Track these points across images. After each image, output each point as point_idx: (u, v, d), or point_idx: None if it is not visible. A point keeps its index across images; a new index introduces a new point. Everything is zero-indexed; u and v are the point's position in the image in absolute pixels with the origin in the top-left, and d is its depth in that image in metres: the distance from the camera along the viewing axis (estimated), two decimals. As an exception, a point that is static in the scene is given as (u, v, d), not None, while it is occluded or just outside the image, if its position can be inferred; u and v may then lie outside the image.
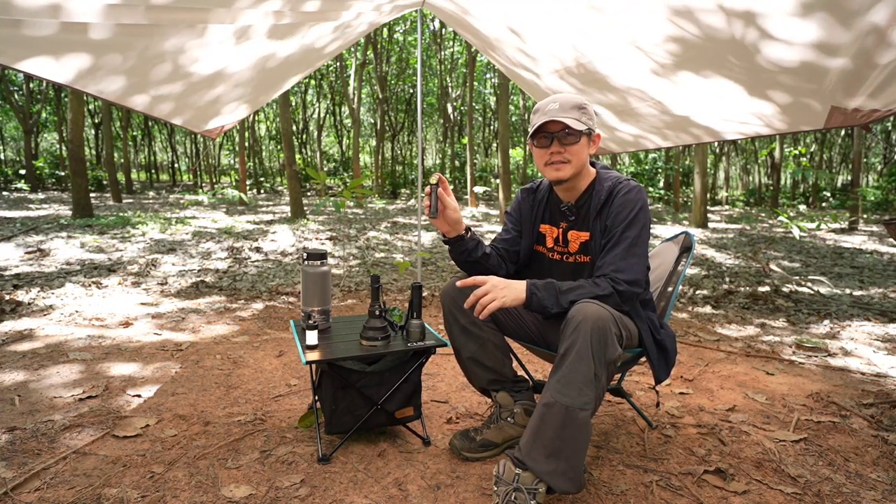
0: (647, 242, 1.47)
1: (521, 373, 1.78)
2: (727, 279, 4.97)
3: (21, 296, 3.65)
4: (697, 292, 4.37)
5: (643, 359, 1.61)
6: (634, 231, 1.45)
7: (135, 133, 23.31)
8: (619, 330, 1.31)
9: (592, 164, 1.62)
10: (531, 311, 1.43)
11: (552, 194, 1.65)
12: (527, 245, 1.69)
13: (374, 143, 22.91)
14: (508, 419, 1.66)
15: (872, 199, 14.39)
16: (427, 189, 1.51)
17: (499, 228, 8.91)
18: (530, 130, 1.53)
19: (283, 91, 3.95)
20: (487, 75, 21.76)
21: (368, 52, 16.32)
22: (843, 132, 20.79)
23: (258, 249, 6.08)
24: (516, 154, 19.02)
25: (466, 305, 1.37)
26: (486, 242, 1.68)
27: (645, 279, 1.46)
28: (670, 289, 1.79)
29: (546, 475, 1.24)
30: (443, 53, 19.13)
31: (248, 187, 18.95)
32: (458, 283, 1.47)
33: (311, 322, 1.66)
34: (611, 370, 1.29)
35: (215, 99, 2.91)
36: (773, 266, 5.23)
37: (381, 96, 17.29)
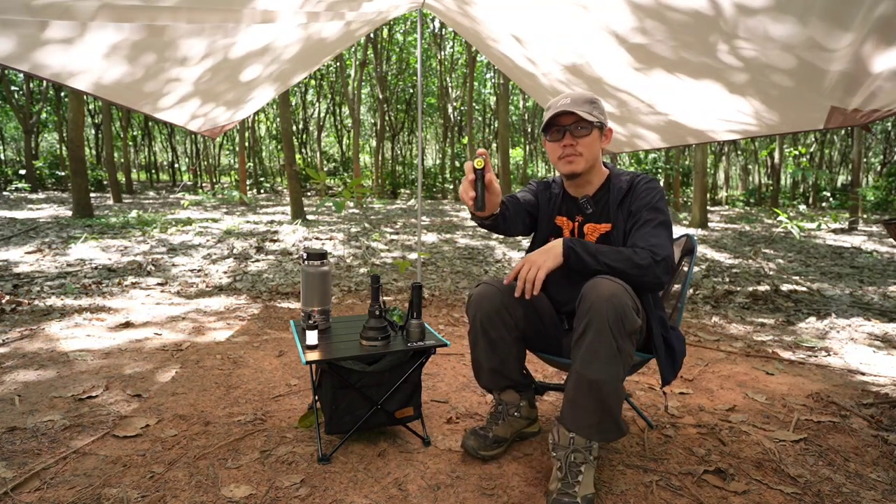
0: (672, 227, 1.50)
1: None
2: (727, 279, 4.97)
3: (21, 296, 3.65)
4: (697, 292, 4.37)
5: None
6: (661, 215, 1.48)
7: (135, 133, 23.29)
8: (634, 302, 1.33)
9: (605, 164, 1.64)
10: (571, 268, 1.44)
11: (567, 190, 1.67)
12: (542, 238, 1.68)
13: (374, 143, 22.92)
14: (514, 413, 1.67)
15: (872, 199, 14.40)
16: (470, 176, 1.30)
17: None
18: (543, 124, 1.55)
19: (280, 92, 3.94)
20: (487, 75, 21.77)
21: (368, 52, 16.32)
22: (842, 132, 20.79)
23: (258, 249, 6.08)
24: (516, 154, 19.01)
25: (517, 294, 1.40)
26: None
27: (673, 259, 1.47)
28: (675, 287, 1.79)
29: (595, 434, 1.35)
30: (443, 53, 19.13)
31: (248, 187, 18.95)
32: (505, 281, 1.49)
33: (311, 322, 1.66)
34: (634, 339, 1.34)
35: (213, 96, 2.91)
36: (770, 264, 5.23)
37: (381, 96, 17.28)
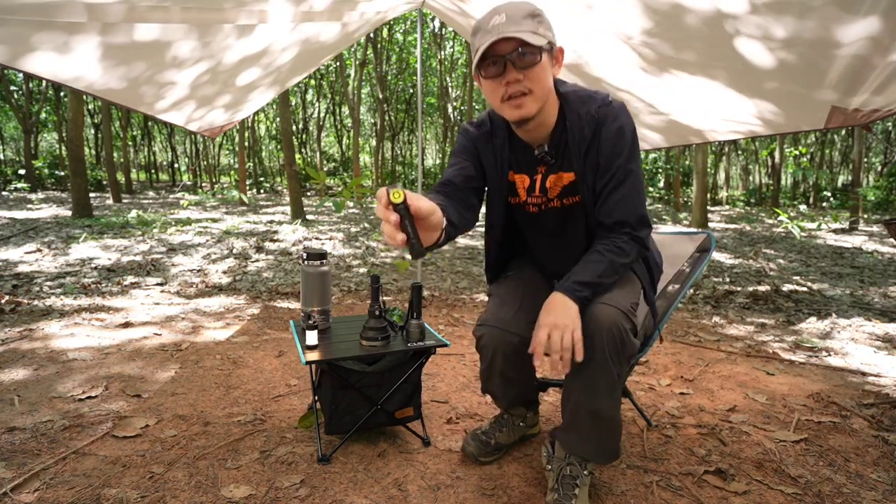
0: (642, 175, 1.33)
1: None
2: (727, 279, 4.97)
3: (21, 295, 3.64)
4: (697, 292, 4.37)
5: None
6: (634, 162, 1.27)
7: (134, 133, 23.28)
8: (633, 322, 1.27)
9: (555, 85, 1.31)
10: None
11: (515, 137, 1.35)
12: (498, 206, 1.43)
13: (374, 143, 22.91)
14: (521, 423, 1.67)
15: (873, 198, 14.39)
16: (391, 217, 0.87)
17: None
18: (475, 58, 1.19)
19: (278, 94, 3.94)
20: (487, 75, 21.71)
21: (368, 52, 16.31)
22: (843, 132, 20.79)
23: (258, 249, 6.07)
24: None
25: (563, 372, 1.18)
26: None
27: (648, 217, 1.32)
28: (672, 287, 1.78)
29: (593, 456, 1.34)
30: (443, 53, 19.13)
31: (247, 187, 18.95)
32: (536, 362, 1.24)
33: (310, 322, 1.66)
34: (630, 362, 1.35)
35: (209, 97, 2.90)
36: (770, 264, 5.22)
37: (381, 96, 17.28)
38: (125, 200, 13.56)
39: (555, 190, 1.36)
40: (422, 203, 0.89)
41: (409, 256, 1.31)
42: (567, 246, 1.46)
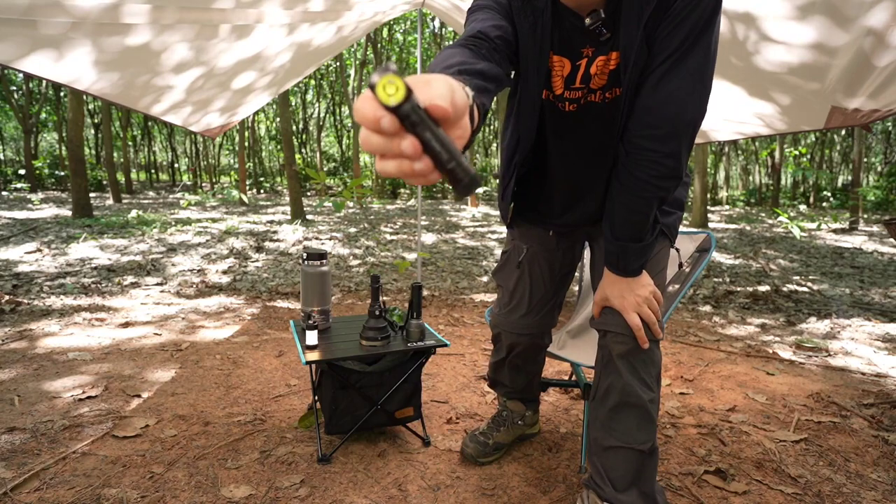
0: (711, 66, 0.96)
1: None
2: (727, 279, 4.97)
3: (21, 295, 3.64)
4: (697, 292, 4.37)
5: None
6: (701, 52, 0.93)
7: (134, 133, 23.27)
8: (654, 310, 1.10)
9: None
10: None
11: (558, 2, 0.99)
12: (532, 93, 1.06)
13: (374, 143, 22.83)
14: (519, 422, 1.66)
15: (873, 198, 14.40)
16: (392, 133, 0.42)
17: (501, 230, 8.88)
18: None
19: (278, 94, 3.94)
20: (487, 75, 21.71)
21: (368, 52, 16.31)
22: (843, 132, 20.79)
23: (258, 249, 6.07)
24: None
25: (643, 342, 1.08)
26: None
27: (697, 123, 0.98)
28: (672, 288, 1.77)
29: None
30: (443, 53, 19.11)
31: (247, 187, 18.95)
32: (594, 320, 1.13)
33: (310, 322, 1.65)
34: (660, 376, 1.15)
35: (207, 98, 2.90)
36: (771, 265, 5.23)
37: (381, 96, 17.25)
38: (125, 200, 13.57)
39: (600, 78, 1.02)
40: (435, 88, 0.43)
41: (456, 192, 0.40)
42: (599, 164, 1.14)
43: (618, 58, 0.98)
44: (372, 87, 0.40)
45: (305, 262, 1.73)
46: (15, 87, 17.73)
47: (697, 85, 0.94)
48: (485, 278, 4.82)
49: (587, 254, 1.89)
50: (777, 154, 15.46)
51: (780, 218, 8.86)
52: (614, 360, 1.11)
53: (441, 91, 0.43)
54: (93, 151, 22.83)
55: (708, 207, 13.88)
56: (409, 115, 0.40)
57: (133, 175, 25.39)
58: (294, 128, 22.28)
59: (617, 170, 1.07)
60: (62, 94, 17.61)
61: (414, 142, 0.41)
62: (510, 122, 1.18)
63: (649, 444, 1.10)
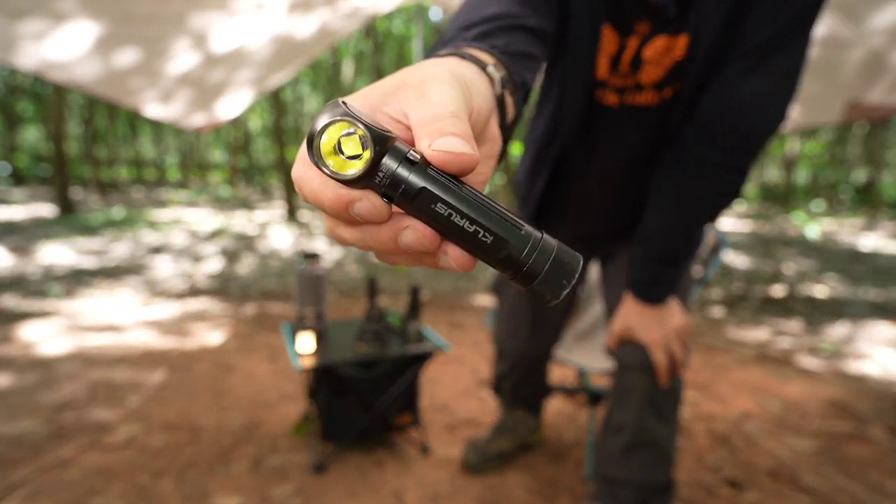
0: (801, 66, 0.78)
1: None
2: (740, 281, 4.90)
3: (3, 299, 3.59)
4: (709, 294, 4.30)
5: None
6: (797, 50, 0.76)
7: (120, 129, 23.09)
8: (683, 347, 0.99)
9: None
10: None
11: None
12: (583, 66, 0.84)
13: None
14: (522, 429, 1.62)
15: (893, 194, 14.09)
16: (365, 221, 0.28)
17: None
18: None
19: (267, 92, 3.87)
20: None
21: (366, 44, 16.31)
22: (861, 129, 20.66)
23: (251, 250, 6.02)
24: (516, 150, 18.98)
25: (665, 382, 0.97)
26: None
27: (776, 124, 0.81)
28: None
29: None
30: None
31: (238, 185, 18.90)
32: (608, 347, 1.04)
33: (305, 325, 1.61)
34: (680, 400, 1.04)
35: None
36: (785, 265, 5.16)
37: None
38: (111, 197, 13.43)
39: (656, 68, 0.82)
40: (437, 108, 0.27)
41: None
42: (634, 172, 0.98)
43: (687, 44, 0.78)
44: (313, 148, 0.24)
45: (300, 264, 1.68)
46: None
47: (785, 92, 0.78)
48: (487, 276, 4.77)
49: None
50: (795, 149, 15.13)
51: (795, 217, 8.70)
52: (632, 396, 1.00)
53: (446, 116, 0.25)
54: (79, 146, 22.64)
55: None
56: (398, 183, 0.24)
57: (119, 172, 25.08)
58: (287, 122, 22.31)
59: (660, 180, 0.89)
60: (46, 89, 17.47)
61: (420, 227, 0.25)
62: (543, 106, 0.98)
63: (663, 480, 1.03)
